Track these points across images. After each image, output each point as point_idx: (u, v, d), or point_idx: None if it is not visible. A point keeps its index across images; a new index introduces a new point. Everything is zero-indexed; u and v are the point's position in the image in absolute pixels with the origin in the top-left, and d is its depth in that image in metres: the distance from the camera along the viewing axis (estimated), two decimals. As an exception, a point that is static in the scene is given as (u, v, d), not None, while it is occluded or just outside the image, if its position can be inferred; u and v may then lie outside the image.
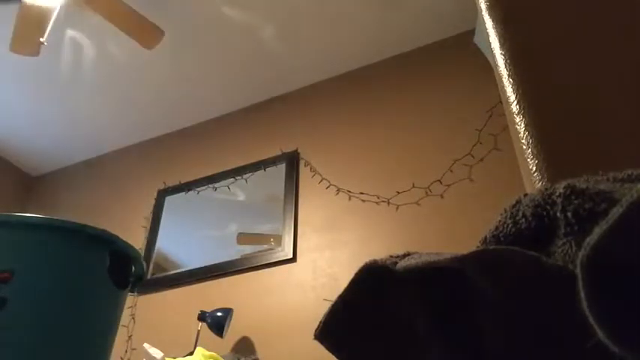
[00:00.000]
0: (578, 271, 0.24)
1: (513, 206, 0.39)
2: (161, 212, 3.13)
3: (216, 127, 3.35)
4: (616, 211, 0.24)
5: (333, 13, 2.79)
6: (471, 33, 2.70)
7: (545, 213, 0.35)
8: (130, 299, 2.74)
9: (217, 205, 3.03)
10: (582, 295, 0.24)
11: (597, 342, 0.23)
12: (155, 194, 3.22)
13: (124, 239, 1.19)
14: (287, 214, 2.68)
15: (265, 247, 2.69)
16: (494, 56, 0.66)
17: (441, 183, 2.42)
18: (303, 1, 2.72)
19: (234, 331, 2.36)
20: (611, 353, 0.23)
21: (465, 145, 2.45)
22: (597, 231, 0.24)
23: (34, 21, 2.34)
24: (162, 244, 3.00)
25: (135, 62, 3.02)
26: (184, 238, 3.05)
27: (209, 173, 3.11)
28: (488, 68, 2.33)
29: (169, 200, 3.17)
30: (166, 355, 2.14)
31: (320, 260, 2.47)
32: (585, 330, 0.24)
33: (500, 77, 0.64)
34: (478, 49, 2.75)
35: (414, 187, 2.46)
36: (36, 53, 2.50)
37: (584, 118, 0.57)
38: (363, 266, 0.42)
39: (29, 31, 2.37)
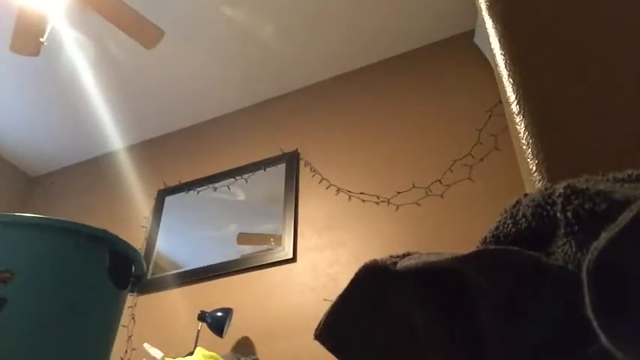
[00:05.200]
0: (583, 276, 0.24)
1: (513, 206, 0.39)
2: (161, 212, 3.13)
3: (216, 127, 3.35)
4: (626, 216, 0.23)
5: (333, 13, 2.79)
6: (471, 33, 2.71)
7: (545, 213, 0.35)
8: (130, 299, 2.74)
9: (217, 205, 3.02)
10: (587, 300, 0.23)
11: (600, 346, 0.23)
12: (155, 194, 3.22)
13: (124, 239, 1.19)
14: (287, 214, 2.68)
15: (265, 247, 2.68)
16: (494, 56, 0.66)
17: (441, 183, 2.42)
18: (303, 1, 2.72)
19: (234, 331, 2.36)
20: (612, 357, 0.23)
21: (465, 145, 2.45)
22: (605, 235, 0.24)
23: (34, 21, 2.34)
24: (162, 244, 3.00)
25: (135, 62, 3.02)
26: (184, 238, 3.05)
27: (209, 173, 3.11)
28: (489, 68, 2.33)
29: (169, 200, 3.17)
30: (166, 355, 2.14)
31: (320, 260, 2.47)
32: (586, 331, 0.24)
33: (500, 77, 0.64)
34: (478, 49, 2.75)
35: (414, 187, 2.46)
36: (36, 53, 2.50)
37: (584, 118, 0.57)
38: (363, 266, 0.42)
39: (29, 31, 2.37)
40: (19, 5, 2.30)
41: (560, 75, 0.61)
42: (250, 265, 2.61)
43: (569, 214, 0.32)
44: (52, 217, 1.12)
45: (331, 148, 2.84)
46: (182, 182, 3.17)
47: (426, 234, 2.31)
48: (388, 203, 2.48)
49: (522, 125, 0.58)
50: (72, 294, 1.06)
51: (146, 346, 2.16)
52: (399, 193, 2.48)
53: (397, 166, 2.58)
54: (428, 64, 2.88)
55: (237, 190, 3.00)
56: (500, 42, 0.65)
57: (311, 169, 2.81)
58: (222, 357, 2.07)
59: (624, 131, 0.55)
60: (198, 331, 2.31)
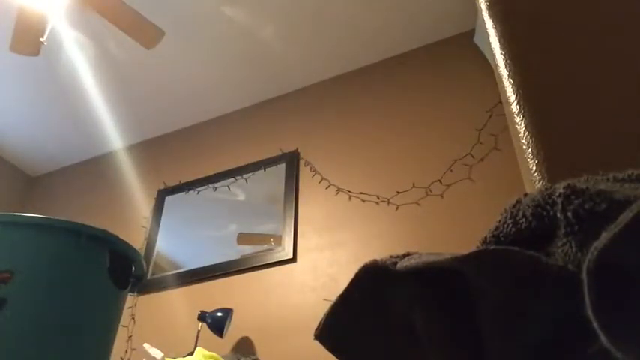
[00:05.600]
0: (583, 276, 0.24)
1: (513, 206, 0.39)
2: (161, 212, 3.13)
3: (216, 127, 3.35)
4: (626, 216, 0.23)
5: (333, 13, 2.79)
6: (471, 33, 2.71)
7: (545, 213, 0.35)
8: (130, 299, 2.74)
9: (217, 205, 3.02)
10: (587, 300, 0.23)
11: (600, 346, 0.23)
12: (155, 194, 3.22)
13: (124, 239, 1.19)
14: (287, 214, 2.68)
15: (265, 247, 2.68)
16: (494, 56, 0.66)
17: (441, 183, 2.42)
18: (303, 1, 2.72)
19: (234, 331, 2.36)
20: (612, 357, 0.23)
21: (465, 145, 2.45)
22: (605, 235, 0.23)
23: (34, 21, 2.34)
24: (162, 244, 3.00)
25: (135, 62, 3.02)
26: (184, 238, 3.05)
27: (209, 173, 3.11)
28: (489, 68, 2.33)
29: (169, 200, 3.17)
30: (166, 355, 2.14)
31: (320, 260, 2.47)
32: (586, 331, 0.24)
33: (500, 77, 0.64)
34: (478, 49, 2.75)
35: (414, 187, 2.46)
36: (36, 53, 2.50)
37: (584, 118, 0.57)
38: (363, 266, 0.42)
39: (29, 31, 2.37)
40: (19, 5, 2.30)
41: (560, 75, 0.61)
42: (250, 265, 2.61)
43: (569, 214, 0.32)
44: (52, 217, 1.12)
45: (331, 148, 2.84)
46: (182, 182, 3.17)
47: (426, 234, 2.31)
48: (388, 203, 2.48)
49: (522, 125, 0.58)
50: (72, 294, 1.06)
51: (146, 346, 2.16)
52: (399, 193, 2.48)
53: (397, 166, 2.58)
54: (428, 64, 2.88)
55: (237, 190, 3.00)
56: (500, 42, 0.65)
57: (311, 169, 2.81)
58: (222, 357, 2.07)
59: (624, 131, 0.55)
60: (198, 331, 2.31)
